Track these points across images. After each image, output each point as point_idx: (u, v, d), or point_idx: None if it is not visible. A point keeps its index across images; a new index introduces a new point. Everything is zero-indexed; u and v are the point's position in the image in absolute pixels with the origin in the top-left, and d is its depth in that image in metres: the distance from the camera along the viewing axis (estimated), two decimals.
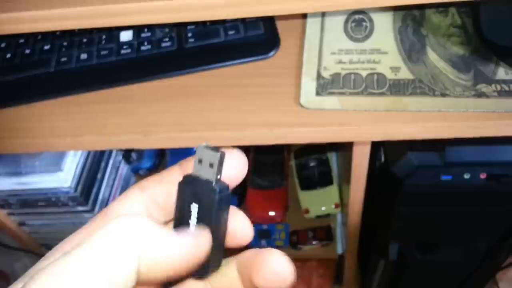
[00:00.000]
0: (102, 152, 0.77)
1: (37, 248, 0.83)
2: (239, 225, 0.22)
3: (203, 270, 0.20)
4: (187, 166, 0.21)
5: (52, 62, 0.54)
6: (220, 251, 0.21)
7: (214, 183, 0.20)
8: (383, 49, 0.50)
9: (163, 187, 0.21)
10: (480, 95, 0.46)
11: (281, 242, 0.92)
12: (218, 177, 0.20)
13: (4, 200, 0.71)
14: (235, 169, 0.21)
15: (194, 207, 0.20)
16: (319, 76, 0.48)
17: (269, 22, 0.54)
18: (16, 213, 0.74)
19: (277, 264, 0.20)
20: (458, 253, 0.70)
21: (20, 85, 0.54)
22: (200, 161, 0.20)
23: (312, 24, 0.53)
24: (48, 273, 0.16)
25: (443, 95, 0.46)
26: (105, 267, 0.17)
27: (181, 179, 0.21)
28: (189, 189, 0.20)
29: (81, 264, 0.16)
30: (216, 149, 0.20)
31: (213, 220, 0.20)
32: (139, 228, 0.18)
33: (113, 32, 0.56)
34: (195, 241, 0.19)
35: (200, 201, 0.20)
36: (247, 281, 0.20)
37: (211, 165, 0.20)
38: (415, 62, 0.48)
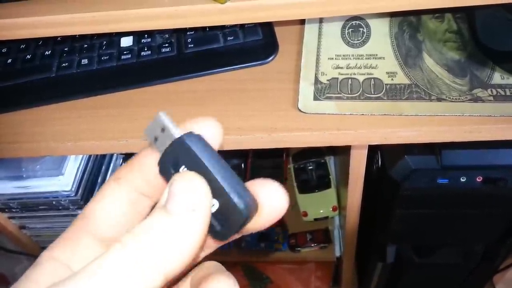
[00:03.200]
0: (103, 156, 0.78)
1: (38, 252, 0.83)
2: (272, 197, 0.20)
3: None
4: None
5: (53, 67, 0.55)
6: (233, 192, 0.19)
7: (176, 135, 0.19)
8: (380, 54, 0.50)
9: (140, 173, 0.21)
10: (476, 99, 0.46)
11: (280, 245, 0.92)
12: (176, 129, 0.19)
13: (5, 203, 0.71)
14: (210, 137, 0.20)
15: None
16: (316, 81, 0.49)
17: (267, 28, 0.55)
18: (17, 216, 0.75)
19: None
20: (455, 255, 0.71)
21: (21, 90, 0.54)
22: (155, 138, 0.20)
23: (310, 30, 0.54)
24: None
25: (439, 99, 0.46)
26: None
27: (154, 157, 0.20)
28: (167, 164, 0.19)
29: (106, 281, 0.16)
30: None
31: (204, 166, 0.19)
32: (153, 250, 0.17)
33: (113, 37, 0.56)
34: (192, 216, 0.18)
35: (182, 162, 0.19)
36: None
37: (162, 130, 0.19)
38: (412, 67, 0.49)
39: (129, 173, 0.21)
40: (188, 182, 0.18)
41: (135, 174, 0.21)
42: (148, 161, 0.21)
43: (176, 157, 0.19)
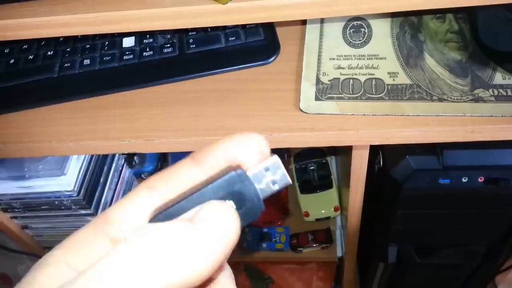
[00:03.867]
0: (105, 156, 0.78)
1: (40, 252, 0.83)
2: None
3: None
4: (201, 158, 0.20)
5: (55, 68, 0.55)
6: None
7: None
8: (381, 54, 0.50)
9: (174, 185, 0.19)
10: (478, 100, 0.46)
11: (282, 245, 0.92)
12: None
13: (7, 203, 0.71)
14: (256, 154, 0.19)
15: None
16: (318, 81, 0.49)
17: (269, 28, 0.55)
18: (20, 216, 0.75)
19: None
20: (457, 256, 0.71)
21: (23, 90, 0.54)
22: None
23: (312, 30, 0.54)
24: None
25: (440, 100, 0.46)
26: None
27: (193, 171, 0.19)
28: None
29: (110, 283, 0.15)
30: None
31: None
32: (159, 251, 0.16)
33: (115, 38, 0.56)
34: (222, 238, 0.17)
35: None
36: None
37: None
38: (413, 68, 0.49)
39: (164, 184, 0.19)
40: (225, 209, 0.18)
41: (169, 187, 0.19)
42: (185, 175, 0.19)
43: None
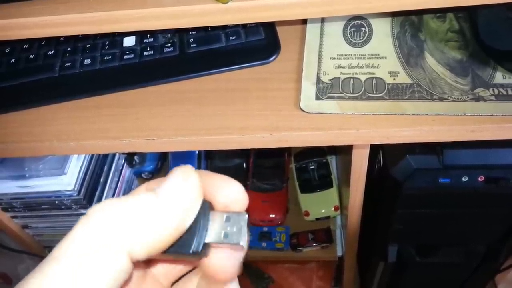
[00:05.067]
0: (105, 156, 0.78)
1: (40, 251, 0.84)
2: (219, 262, 0.20)
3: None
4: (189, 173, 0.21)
5: (56, 67, 0.55)
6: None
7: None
8: (382, 54, 0.51)
9: None
10: (478, 99, 0.46)
11: (282, 244, 0.92)
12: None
13: (8, 203, 0.71)
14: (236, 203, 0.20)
15: None
16: (318, 81, 0.49)
17: (269, 27, 0.55)
18: (20, 216, 0.75)
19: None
20: (457, 255, 0.71)
21: (24, 89, 0.54)
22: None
23: (312, 30, 0.54)
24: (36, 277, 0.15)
25: (441, 99, 0.46)
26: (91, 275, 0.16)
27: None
28: None
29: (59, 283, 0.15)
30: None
31: None
32: (118, 219, 0.17)
33: (116, 37, 0.56)
34: (181, 201, 0.18)
35: None
36: None
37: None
38: (413, 67, 0.49)
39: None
40: (183, 173, 0.18)
41: None
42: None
43: None
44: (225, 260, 0.19)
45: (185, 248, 0.19)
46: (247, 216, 0.19)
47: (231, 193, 0.20)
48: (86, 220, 0.17)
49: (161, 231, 0.17)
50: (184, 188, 0.18)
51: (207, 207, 0.19)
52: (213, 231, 0.19)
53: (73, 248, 0.16)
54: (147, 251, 0.17)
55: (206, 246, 0.19)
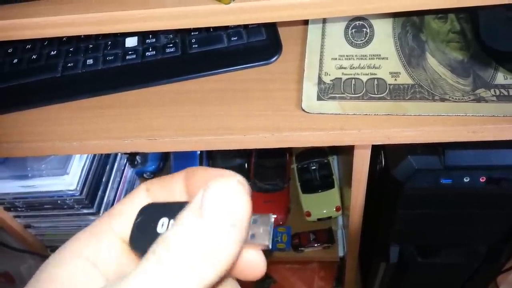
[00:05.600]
0: (107, 156, 0.78)
1: (43, 250, 0.84)
2: (252, 259, 0.20)
3: None
4: (192, 175, 0.21)
5: (58, 67, 0.55)
6: None
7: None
8: (383, 54, 0.51)
9: (166, 193, 0.21)
10: (479, 99, 0.46)
11: (283, 244, 0.92)
12: None
13: (10, 202, 0.72)
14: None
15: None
16: (320, 81, 0.49)
17: (271, 28, 0.55)
18: (22, 215, 0.75)
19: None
20: (459, 256, 0.71)
21: (27, 90, 0.55)
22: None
23: (313, 30, 0.54)
24: None
25: (442, 99, 0.46)
26: None
27: (182, 186, 0.21)
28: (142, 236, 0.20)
29: None
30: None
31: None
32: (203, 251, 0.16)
33: (118, 38, 0.57)
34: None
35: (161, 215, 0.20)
36: None
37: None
38: (415, 67, 0.49)
39: (159, 190, 0.21)
40: (228, 187, 0.17)
41: (162, 192, 0.21)
42: (178, 185, 0.21)
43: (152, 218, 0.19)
44: (256, 256, 0.19)
45: None
46: (273, 218, 0.20)
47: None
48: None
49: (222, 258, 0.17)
50: (231, 199, 0.17)
51: None
52: None
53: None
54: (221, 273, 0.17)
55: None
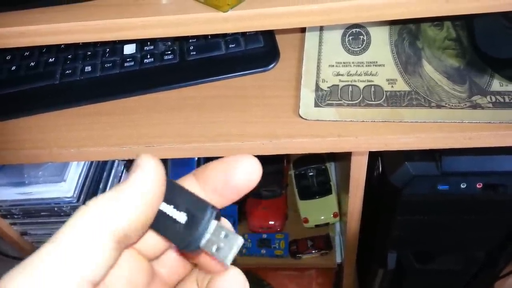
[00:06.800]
0: (104, 162, 0.78)
1: None
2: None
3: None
4: (201, 176, 0.22)
5: (56, 74, 0.55)
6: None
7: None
8: (380, 61, 0.51)
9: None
10: (475, 106, 0.47)
11: (281, 251, 0.92)
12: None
13: (7, 210, 0.71)
14: (247, 175, 0.21)
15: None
16: (317, 88, 0.49)
17: (269, 35, 0.55)
18: (19, 223, 0.75)
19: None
20: (456, 262, 0.71)
21: (25, 97, 0.55)
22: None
23: (311, 38, 0.54)
24: (20, 272, 0.17)
25: (439, 106, 0.47)
26: (81, 256, 0.17)
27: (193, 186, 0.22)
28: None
29: (54, 259, 0.17)
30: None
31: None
32: (104, 207, 0.19)
33: (116, 45, 0.57)
34: (149, 177, 0.20)
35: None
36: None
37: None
38: (411, 74, 0.49)
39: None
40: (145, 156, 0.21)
41: None
42: (189, 183, 0.22)
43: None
44: (214, 266, 0.21)
45: (178, 241, 0.20)
46: (242, 241, 0.21)
47: (246, 167, 0.21)
48: (81, 209, 0.19)
49: (135, 210, 0.19)
50: (145, 175, 0.20)
51: (212, 214, 0.20)
52: (209, 240, 0.20)
53: (66, 232, 0.18)
54: (128, 229, 0.19)
55: (198, 248, 0.21)
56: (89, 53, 0.56)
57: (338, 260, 0.91)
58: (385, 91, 0.48)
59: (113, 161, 0.81)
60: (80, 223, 0.18)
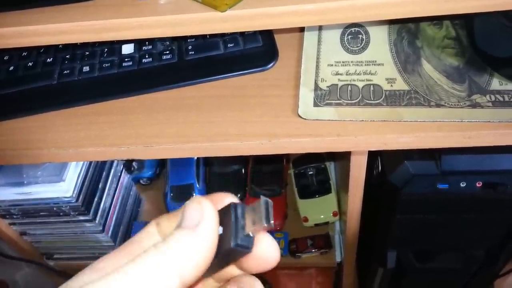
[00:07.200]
0: (103, 162, 0.78)
1: (39, 258, 0.83)
2: (265, 248, 0.23)
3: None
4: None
5: (55, 75, 0.55)
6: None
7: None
8: (379, 60, 0.51)
9: (173, 223, 0.23)
10: (475, 105, 0.46)
11: (280, 250, 0.92)
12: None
13: (6, 210, 0.71)
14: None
15: None
16: (316, 87, 0.49)
17: (267, 35, 0.55)
18: (18, 223, 0.75)
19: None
20: (456, 260, 0.71)
21: (23, 97, 0.54)
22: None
23: (310, 37, 0.54)
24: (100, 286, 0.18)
25: (438, 105, 0.47)
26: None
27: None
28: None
29: (134, 279, 0.19)
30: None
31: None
32: (178, 252, 0.20)
33: (115, 45, 0.57)
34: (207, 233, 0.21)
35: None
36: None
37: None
38: (411, 74, 0.49)
39: (166, 221, 0.24)
40: (197, 203, 0.22)
41: (170, 223, 0.23)
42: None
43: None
44: (269, 246, 0.23)
45: (226, 245, 0.22)
46: (267, 200, 0.22)
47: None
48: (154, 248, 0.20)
49: (203, 260, 0.21)
50: (202, 224, 0.21)
51: (234, 208, 0.22)
52: (247, 225, 0.22)
53: (136, 266, 0.20)
54: (194, 275, 0.21)
55: (248, 237, 0.22)
56: (87, 53, 0.56)
57: (338, 259, 0.91)
58: (384, 90, 0.48)
59: (112, 161, 0.81)
60: (151, 260, 0.20)
